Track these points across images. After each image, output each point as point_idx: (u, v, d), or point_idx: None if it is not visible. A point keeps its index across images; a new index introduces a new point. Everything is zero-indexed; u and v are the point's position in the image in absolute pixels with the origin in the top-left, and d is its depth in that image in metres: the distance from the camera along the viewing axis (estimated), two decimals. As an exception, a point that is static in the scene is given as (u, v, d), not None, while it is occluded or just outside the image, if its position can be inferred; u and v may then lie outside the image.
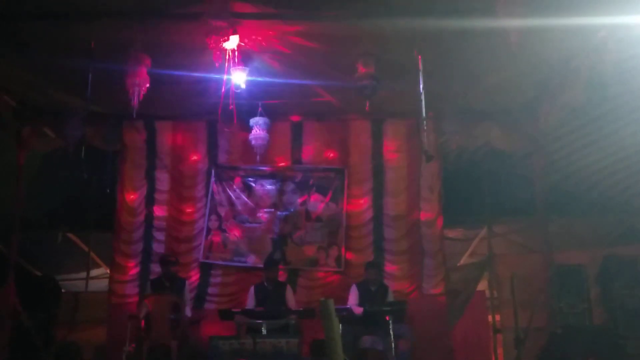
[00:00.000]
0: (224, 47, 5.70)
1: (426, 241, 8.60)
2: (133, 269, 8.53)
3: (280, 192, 8.78)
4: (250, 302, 7.69)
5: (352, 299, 7.60)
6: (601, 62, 6.02)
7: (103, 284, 9.46)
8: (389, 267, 8.51)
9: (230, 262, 8.58)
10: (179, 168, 8.84)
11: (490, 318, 9.05)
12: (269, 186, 8.79)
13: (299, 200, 8.75)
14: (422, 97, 5.18)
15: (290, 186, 8.81)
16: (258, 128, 8.02)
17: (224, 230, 8.64)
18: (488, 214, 9.48)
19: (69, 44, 5.94)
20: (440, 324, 8.30)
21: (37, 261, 10.16)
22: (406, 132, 8.77)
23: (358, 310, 7.26)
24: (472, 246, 10.63)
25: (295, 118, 8.84)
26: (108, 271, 9.20)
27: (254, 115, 8.06)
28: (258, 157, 8.17)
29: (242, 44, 6.30)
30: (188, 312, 7.57)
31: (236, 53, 6.11)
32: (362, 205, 8.75)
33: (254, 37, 6.36)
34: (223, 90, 6.90)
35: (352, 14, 5.95)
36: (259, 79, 7.04)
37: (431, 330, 8.09)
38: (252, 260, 8.52)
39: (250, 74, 6.65)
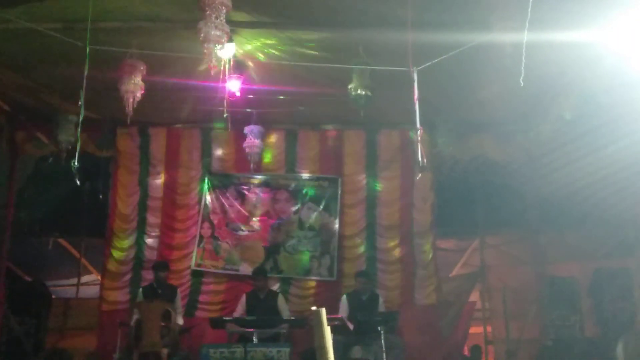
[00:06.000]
0: (219, 55, 5.71)
1: (419, 251, 8.60)
2: (124, 275, 8.48)
3: (274, 200, 8.78)
4: (240, 310, 7.68)
5: (343, 311, 7.59)
6: (594, 75, 6.06)
7: (94, 291, 9.44)
8: (382, 277, 8.50)
9: (222, 270, 8.55)
10: (173, 175, 8.82)
11: (475, 329, 9.08)
12: (263, 194, 8.79)
13: (292, 209, 8.75)
14: (417, 108, 5.20)
15: (283, 195, 8.81)
16: (252, 136, 8.03)
17: (216, 238, 8.62)
18: (481, 226, 9.52)
19: (64, 50, 5.94)
20: (432, 334, 8.29)
21: (28, 267, 10.14)
22: (400, 143, 8.80)
23: (351, 326, 7.25)
24: (464, 257, 10.67)
25: (289, 127, 8.85)
26: (99, 278, 9.16)
27: (249, 123, 8.07)
28: (252, 165, 8.18)
29: (238, 52, 6.32)
30: (179, 319, 7.54)
31: (231, 61, 6.13)
32: (355, 214, 8.76)
33: (249, 45, 6.39)
34: (218, 97, 6.93)
35: (348, 24, 5.98)
36: (254, 87, 7.06)
37: (423, 341, 8.08)
38: (244, 268, 8.50)
39: (245, 82, 6.67)
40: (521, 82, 4.38)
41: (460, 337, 8.76)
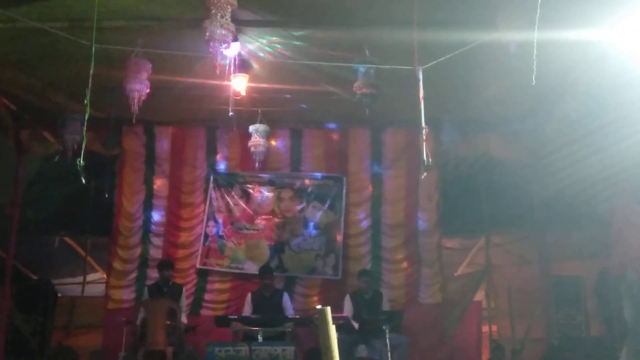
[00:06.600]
0: (224, 54, 5.72)
1: (424, 250, 8.60)
2: (130, 274, 8.51)
3: (279, 199, 8.79)
4: (247, 309, 7.69)
5: (347, 310, 7.59)
6: (600, 74, 6.04)
7: (99, 289, 9.47)
8: (387, 276, 8.50)
9: (228, 269, 8.57)
10: (178, 174, 8.84)
11: (484, 328, 9.04)
12: (268, 193, 8.80)
13: (297, 208, 8.76)
14: (422, 106, 5.19)
15: (288, 193, 8.81)
16: (257, 135, 8.02)
17: (221, 237, 8.63)
18: (486, 225, 9.48)
19: (70, 49, 5.95)
20: (437, 333, 8.28)
21: (34, 265, 10.18)
22: (405, 141, 8.78)
23: (355, 324, 7.26)
24: (469, 256, 10.65)
25: (294, 126, 8.85)
26: (105, 276, 9.19)
27: (254, 122, 8.07)
28: (257, 164, 8.16)
29: (243, 51, 6.33)
30: (184, 318, 7.56)
31: (236, 60, 6.13)
32: (360, 213, 8.75)
33: (254, 44, 6.39)
34: (223, 96, 6.93)
35: (353, 23, 5.98)
36: (260, 85, 7.06)
37: (427, 339, 8.08)
38: (249, 267, 8.52)
39: (251, 80, 6.67)
40: (533, 79, 4.36)
41: (467, 337, 8.72)
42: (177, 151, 8.87)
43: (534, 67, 4.35)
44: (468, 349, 8.59)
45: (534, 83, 4.41)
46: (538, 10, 4.26)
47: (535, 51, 4.34)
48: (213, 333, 7.67)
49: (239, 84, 6.42)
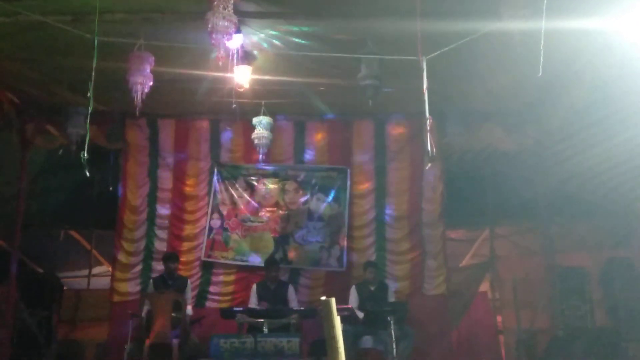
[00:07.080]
0: (227, 46, 5.70)
1: (428, 242, 8.59)
2: (135, 267, 8.53)
3: (283, 191, 8.78)
4: (253, 300, 7.71)
5: (352, 301, 7.61)
6: (605, 63, 6.00)
7: (105, 282, 9.49)
8: (391, 268, 8.51)
9: (232, 261, 8.58)
10: (182, 166, 8.84)
11: (496, 319, 9.06)
12: (272, 185, 8.80)
13: (302, 200, 8.75)
14: (426, 97, 5.18)
15: (292, 185, 8.81)
16: (261, 127, 8.00)
17: (226, 229, 8.64)
18: (491, 216, 9.48)
19: (73, 42, 5.95)
20: (442, 324, 8.29)
21: (40, 258, 10.21)
22: (409, 133, 8.76)
23: (360, 314, 7.27)
24: (474, 247, 10.65)
25: (298, 117, 8.83)
26: (110, 269, 9.22)
27: (257, 114, 8.05)
28: (261, 156, 8.16)
29: (246, 43, 6.31)
30: (190, 310, 7.58)
31: (239, 52, 6.11)
32: (364, 205, 8.75)
33: (257, 36, 6.37)
34: (226, 89, 6.92)
35: (356, 14, 5.95)
36: (263, 77, 7.04)
37: (432, 330, 8.09)
38: (253, 259, 8.53)
39: (254, 72, 6.65)
40: (540, 70, 4.32)
41: (481, 328, 8.73)
42: (180, 144, 8.86)
43: (541, 57, 4.32)
44: (484, 339, 8.60)
45: (540, 74, 4.38)
46: (545, 1, 4.23)
47: (542, 40, 4.30)
48: (218, 325, 7.70)
49: (242, 76, 6.39)
